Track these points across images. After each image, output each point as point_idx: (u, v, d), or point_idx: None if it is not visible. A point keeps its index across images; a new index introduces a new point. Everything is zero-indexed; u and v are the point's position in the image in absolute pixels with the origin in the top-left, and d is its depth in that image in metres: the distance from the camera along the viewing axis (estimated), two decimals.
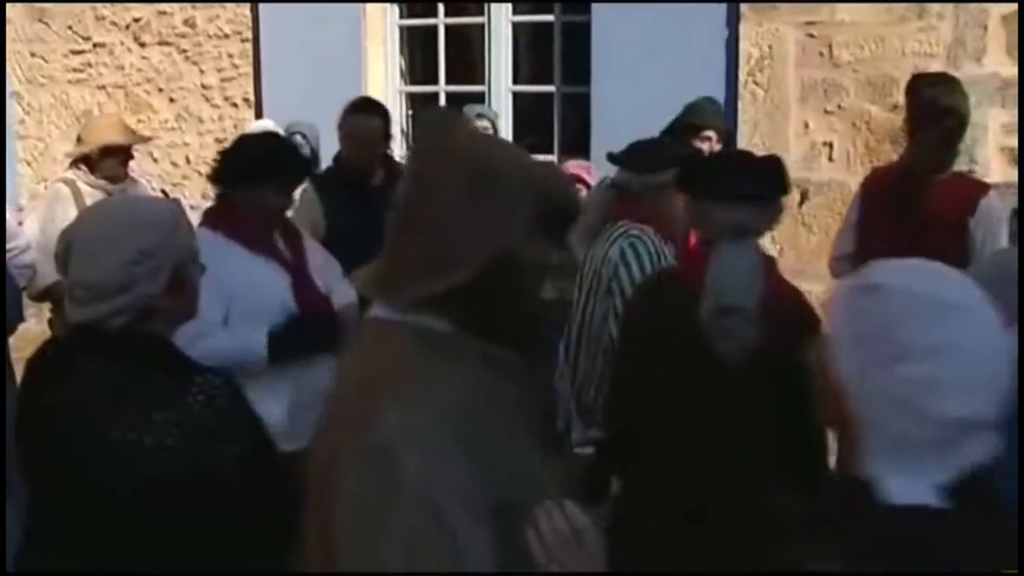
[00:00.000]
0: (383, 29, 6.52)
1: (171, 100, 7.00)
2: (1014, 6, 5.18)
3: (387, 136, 4.28)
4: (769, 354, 2.32)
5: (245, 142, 3.39)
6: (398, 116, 6.91)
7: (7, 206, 4.79)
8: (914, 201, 3.65)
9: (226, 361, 2.48)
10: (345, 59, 6.35)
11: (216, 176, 3.25)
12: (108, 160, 4.76)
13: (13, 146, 7.27)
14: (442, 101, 6.55)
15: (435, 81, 6.64)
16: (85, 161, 4.79)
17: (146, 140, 5.61)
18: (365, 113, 4.22)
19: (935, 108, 3.65)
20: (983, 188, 3.96)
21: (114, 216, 2.12)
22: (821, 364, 1.30)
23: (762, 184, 2.60)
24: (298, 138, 5.61)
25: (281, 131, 5.56)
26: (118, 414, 1.96)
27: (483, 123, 5.66)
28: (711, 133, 4.71)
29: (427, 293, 1.51)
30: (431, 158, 1.59)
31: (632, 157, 3.37)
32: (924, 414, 1.19)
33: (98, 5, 7.02)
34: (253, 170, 3.17)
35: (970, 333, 1.20)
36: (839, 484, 1.36)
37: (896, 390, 1.20)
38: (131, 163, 5.04)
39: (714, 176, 2.69)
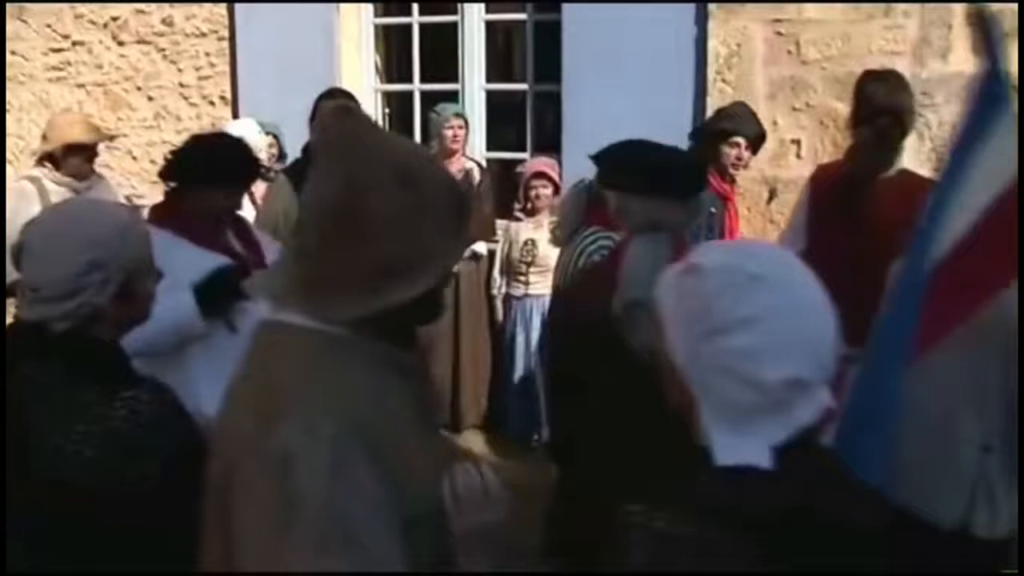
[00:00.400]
0: (358, 27, 6.54)
1: (150, 98, 7.02)
2: (978, 6, 5.20)
3: None
4: None
5: (198, 141, 3.41)
6: (375, 114, 6.95)
7: None
8: (855, 201, 3.65)
9: (162, 331, 2.50)
10: (319, 58, 6.38)
11: (166, 173, 3.28)
12: (72, 158, 4.79)
13: None
14: (416, 99, 6.57)
15: (410, 79, 6.66)
16: (50, 159, 4.81)
17: (111, 139, 5.64)
18: (338, 100, 4.26)
19: (871, 105, 3.65)
20: (930, 185, 3.99)
21: (69, 223, 2.12)
22: (657, 346, 1.36)
23: (677, 180, 2.64)
24: (271, 138, 5.66)
25: (261, 130, 5.63)
26: (45, 417, 1.98)
27: (459, 122, 5.70)
28: (740, 140, 4.74)
29: (379, 306, 1.48)
30: (354, 158, 1.52)
31: (605, 163, 3.33)
32: (747, 380, 1.26)
33: (77, 4, 7.03)
34: (204, 170, 3.20)
35: (778, 301, 1.27)
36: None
37: (720, 361, 1.28)
38: (111, 161, 5.07)
39: (631, 170, 2.73)
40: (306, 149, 4.47)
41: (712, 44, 5.57)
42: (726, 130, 4.82)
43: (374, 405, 1.50)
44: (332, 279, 1.50)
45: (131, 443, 1.98)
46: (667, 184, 2.68)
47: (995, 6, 5.12)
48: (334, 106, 1.69)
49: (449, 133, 5.62)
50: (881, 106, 3.62)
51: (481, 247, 5.76)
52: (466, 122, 5.77)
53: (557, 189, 5.58)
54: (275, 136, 5.72)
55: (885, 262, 2.79)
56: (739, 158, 4.87)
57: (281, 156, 5.75)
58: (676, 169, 2.74)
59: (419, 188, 1.51)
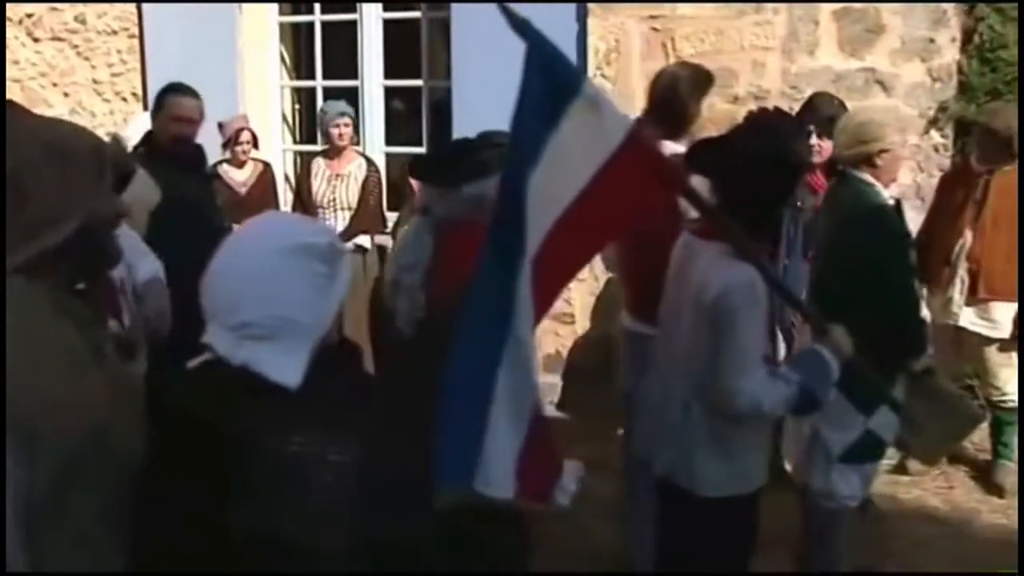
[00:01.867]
0: (262, 26, 6.68)
1: (65, 94, 7.16)
2: (843, 4, 5.36)
3: (201, 114, 4.60)
4: (433, 324, 2.48)
5: None
6: (286, 109, 7.10)
7: None
8: None
9: None
10: (223, 56, 6.52)
11: None
12: None
13: None
14: (319, 96, 6.71)
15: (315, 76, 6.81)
16: None
17: None
18: (181, 94, 4.54)
19: None
20: None
21: None
22: None
23: (435, 169, 2.79)
24: None
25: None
26: None
27: (344, 119, 5.82)
28: (811, 127, 4.60)
29: (35, 251, 1.69)
30: (13, 140, 1.74)
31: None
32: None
33: None
34: None
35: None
36: None
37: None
38: None
39: (419, 161, 2.92)
40: (148, 136, 4.63)
41: (592, 40, 5.72)
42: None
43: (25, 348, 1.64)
44: (10, 236, 1.72)
45: None
46: (429, 172, 2.83)
47: (859, 5, 5.32)
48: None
49: (335, 131, 5.76)
50: None
51: (365, 240, 5.86)
52: (353, 119, 5.90)
53: None
54: None
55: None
56: (811, 146, 4.64)
57: None
58: (441, 158, 2.89)
59: (63, 157, 1.74)
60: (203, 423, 1.75)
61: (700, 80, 3.81)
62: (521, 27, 2.48)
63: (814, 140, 4.52)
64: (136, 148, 4.64)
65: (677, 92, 3.74)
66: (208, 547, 1.70)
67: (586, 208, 2.43)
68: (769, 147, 2.69)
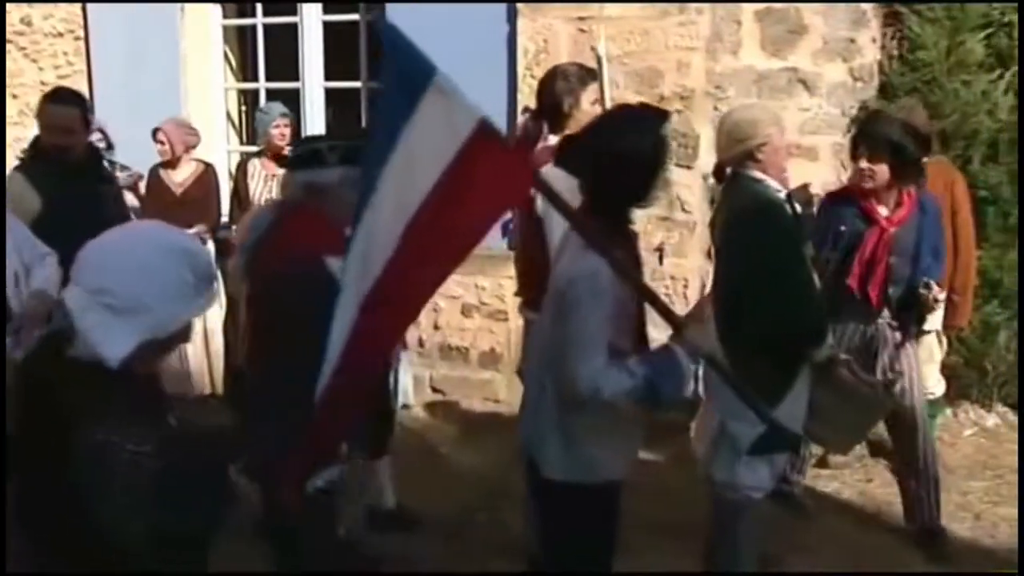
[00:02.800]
0: (206, 28, 6.75)
1: (14, 96, 7.21)
2: (765, 5, 5.44)
3: (85, 122, 4.63)
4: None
5: None
6: (232, 111, 7.17)
7: None
8: None
9: None
10: (165, 58, 6.59)
11: None
12: None
13: None
14: (262, 97, 6.78)
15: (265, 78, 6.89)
16: None
17: None
18: (57, 102, 4.52)
19: None
20: None
21: None
22: None
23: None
24: (97, 134, 5.85)
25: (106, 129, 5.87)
26: None
27: (284, 120, 5.89)
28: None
29: None
30: None
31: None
32: None
33: None
34: None
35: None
36: None
37: None
38: None
39: None
40: (35, 142, 4.70)
41: (521, 41, 5.80)
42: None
43: None
44: None
45: None
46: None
47: (780, 5, 5.40)
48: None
49: (276, 132, 5.84)
50: None
51: None
52: (292, 120, 5.97)
53: None
54: (103, 132, 5.92)
55: None
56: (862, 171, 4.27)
57: (109, 147, 5.97)
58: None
59: None
60: (42, 393, 1.85)
61: (579, 76, 3.90)
62: (373, 21, 2.58)
63: (864, 164, 4.09)
64: (22, 154, 4.72)
65: (555, 88, 3.85)
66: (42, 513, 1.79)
67: (440, 206, 2.50)
68: (618, 143, 2.75)
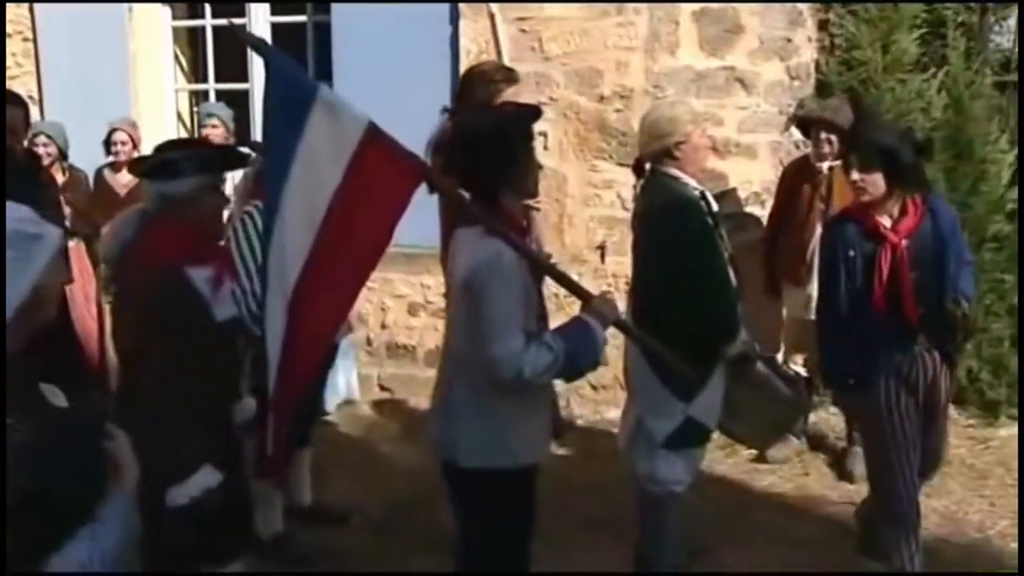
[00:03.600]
0: (155, 29, 6.77)
1: None
2: (701, 5, 5.50)
3: (27, 124, 4.69)
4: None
5: None
6: (184, 112, 7.19)
7: None
8: None
9: None
10: (114, 59, 6.60)
11: None
12: None
13: None
14: (212, 98, 6.80)
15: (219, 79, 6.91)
16: None
17: None
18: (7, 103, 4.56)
19: None
20: None
21: None
22: None
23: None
24: (42, 138, 5.86)
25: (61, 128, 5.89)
26: None
27: (213, 120, 5.92)
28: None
29: None
30: None
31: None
32: None
33: None
34: None
35: None
36: None
37: None
38: None
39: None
40: None
41: (463, 42, 5.84)
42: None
43: None
44: None
45: None
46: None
47: (717, 5, 5.46)
48: None
49: (205, 132, 5.88)
50: None
51: None
52: (222, 121, 5.98)
53: None
54: (48, 136, 5.92)
55: None
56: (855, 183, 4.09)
57: (63, 155, 6.00)
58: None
59: None
60: None
61: (494, 75, 3.96)
62: (257, 46, 2.67)
63: (856, 176, 3.77)
64: None
65: (472, 86, 3.91)
66: None
67: (343, 210, 2.59)
68: (463, 125, 2.86)
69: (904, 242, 3.68)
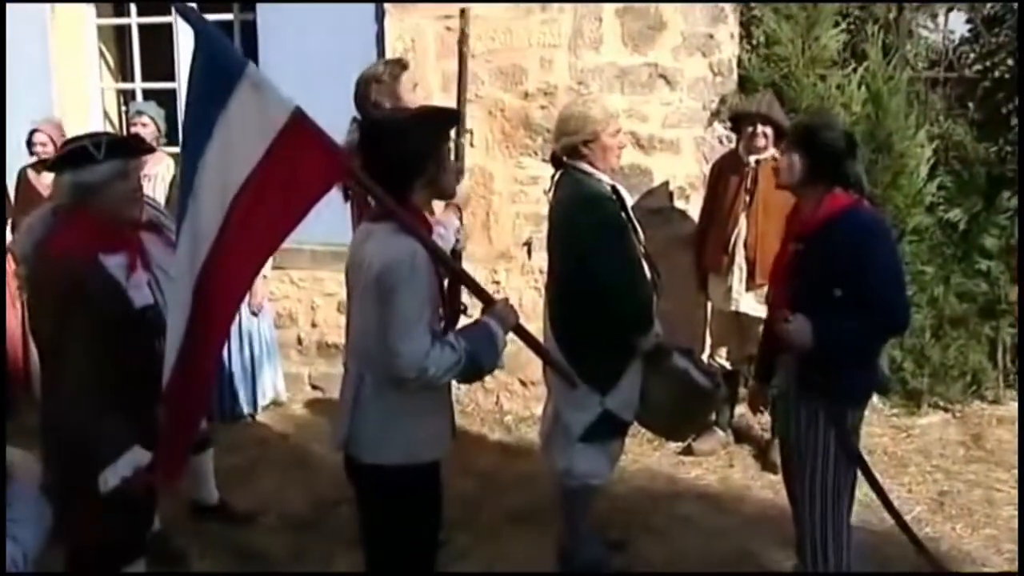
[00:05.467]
0: (79, 28, 6.69)
1: None
2: (624, 4, 5.54)
3: None
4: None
5: None
6: (111, 111, 7.11)
7: None
8: None
9: None
10: (35, 57, 6.51)
11: None
12: None
13: None
14: (139, 97, 6.73)
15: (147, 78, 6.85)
16: None
17: None
18: None
19: None
20: None
21: None
22: None
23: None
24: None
25: None
26: None
27: (143, 119, 5.86)
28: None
29: None
30: None
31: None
32: None
33: None
34: None
35: None
36: None
37: None
38: None
39: None
40: None
41: (389, 40, 5.84)
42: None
43: None
44: None
45: None
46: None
47: (640, 4, 5.49)
48: None
49: (134, 130, 5.81)
50: None
51: None
52: (153, 120, 5.93)
53: None
54: None
55: None
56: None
57: None
58: None
59: None
60: None
61: (389, 72, 3.99)
62: (185, 13, 2.63)
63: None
64: None
65: (367, 89, 3.95)
66: None
67: (257, 191, 2.56)
68: (392, 125, 2.89)
69: (795, 245, 3.39)
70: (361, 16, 5.87)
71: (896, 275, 3.29)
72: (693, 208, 5.63)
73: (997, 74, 5.78)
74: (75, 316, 2.94)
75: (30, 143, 5.88)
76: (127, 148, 3.23)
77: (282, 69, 5.89)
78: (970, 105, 5.94)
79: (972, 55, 6.00)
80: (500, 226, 5.82)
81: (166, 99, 6.48)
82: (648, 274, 3.86)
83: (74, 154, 3.04)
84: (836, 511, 3.39)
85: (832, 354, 3.24)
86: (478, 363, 2.83)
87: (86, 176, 3.01)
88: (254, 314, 5.79)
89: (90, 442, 2.98)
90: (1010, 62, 5.71)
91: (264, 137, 2.53)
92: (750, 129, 4.99)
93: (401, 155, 2.78)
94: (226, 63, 2.55)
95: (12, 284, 5.85)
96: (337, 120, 3.60)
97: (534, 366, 5.13)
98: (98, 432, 2.92)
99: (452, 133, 3.09)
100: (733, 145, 5.34)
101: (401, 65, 4.04)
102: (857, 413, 3.47)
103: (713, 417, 5.37)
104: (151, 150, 3.64)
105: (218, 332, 2.78)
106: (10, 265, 5.74)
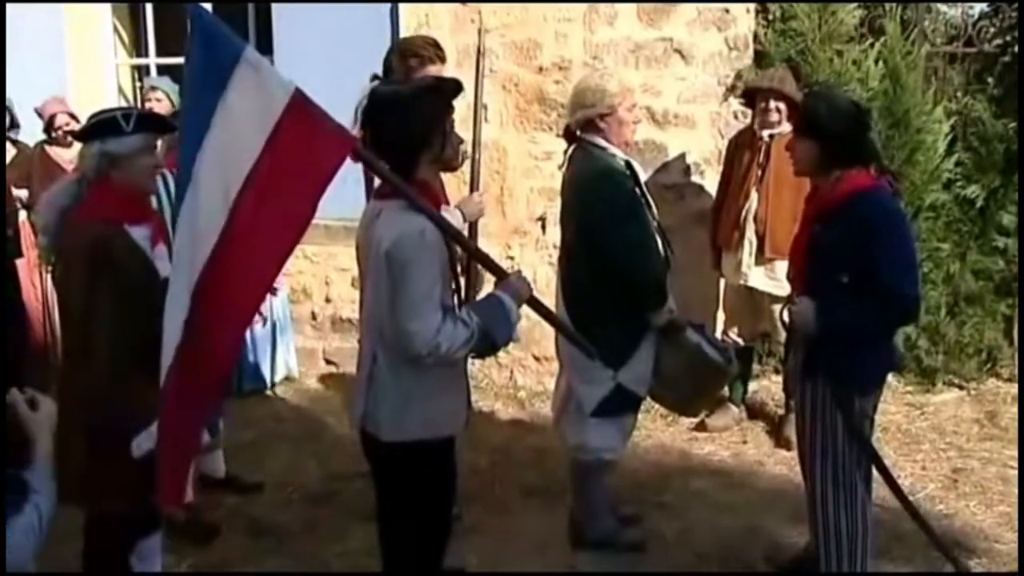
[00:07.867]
0: (94, 4, 6.69)
1: None
2: None
3: None
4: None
5: None
6: (126, 87, 7.12)
7: None
8: None
9: None
10: (49, 34, 6.52)
11: None
12: None
13: None
14: (153, 72, 6.73)
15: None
16: None
17: None
18: None
19: None
20: None
21: None
22: None
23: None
24: None
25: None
26: None
27: (157, 94, 5.86)
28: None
29: None
30: None
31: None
32: None
33: None
34: None
35: None
36: None
37: None
38: None
39: None
40: None
41: (404, 16, 5.81)
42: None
43: None
44: None
45: None
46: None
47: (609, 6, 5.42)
48: None
49: (148, 105, 5.80)
50: None
51: None
52: (166, 94, 5.92)
53: None
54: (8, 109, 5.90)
55: None
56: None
57: (14, 126, 5.99)
58: None
59: None
60: None
61: (422, 48, 3.95)
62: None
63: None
64: None
65: (402, 57, 3.91)
66: None
67: (264, 179, 2.51)
68: (395, 95, 2.86)
69: (814, 226, 3.34)
70: None
71: (907, 262, 3.24)
72: (709, 184, 5.61)
73: (1016, 49, 5.71)
74: (105, 279, 2.96)
75: (51, 127, 5.93)
76: (154, 123, 3.25)
77: (297, 46, 5.92)
78: (989, 81, 5.87)
79: (992, 30, 5.94)
80: (514, 201, 5.81)
81: (180, 74, 6.46)
82: (661, 249, 3.84)
83: (104, 123, 3.05)
84: (848, 489, 3.38)
85: (834, 338, 3.25)
86: (491, 338, 2.81)
87: (113, 146, 3.02)
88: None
89: (120, 407, 2.98)
90: None
91: (266, 123, 2.45)
92: (763, 104, 4.95)
93: (405, 130, 2.77)
94: (223, 47, 2.48)
95: (32, 254, 5.89)
96: (351, 96, 3.60)
97: (548, 341, 5.13)
98: (129, 396, 2.93)
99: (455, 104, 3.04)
100: (749, 121, 5.30)
101: (441, 55, 4.01)
102: (868, 399, 3.45)
103: (727, 393, 5.38)
104: (175, 129, 3.65)
105: (231, 337, 2.68)
106: (30, 237, 5.78)
